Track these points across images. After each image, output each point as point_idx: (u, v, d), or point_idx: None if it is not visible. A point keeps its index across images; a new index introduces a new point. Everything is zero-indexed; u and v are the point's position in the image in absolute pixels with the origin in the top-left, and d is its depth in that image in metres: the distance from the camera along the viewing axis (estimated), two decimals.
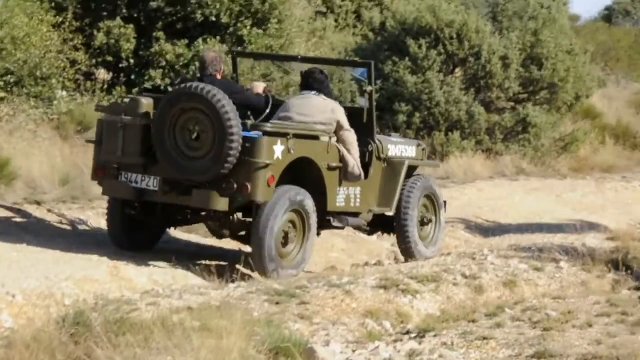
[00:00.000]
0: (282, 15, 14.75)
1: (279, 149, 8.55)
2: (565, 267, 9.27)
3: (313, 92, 9.22)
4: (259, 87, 9.32)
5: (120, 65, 14.69)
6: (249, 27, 14.47)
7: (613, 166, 20.51)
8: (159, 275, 8.87)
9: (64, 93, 13.68)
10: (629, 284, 8.82)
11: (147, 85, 14.03)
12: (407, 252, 10.04)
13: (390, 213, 9.76)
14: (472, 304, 8.26)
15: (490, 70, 18.58)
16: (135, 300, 7.42)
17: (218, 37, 14.33)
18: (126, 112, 8.59)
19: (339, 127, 9.14)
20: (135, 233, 9.22)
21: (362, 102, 10.95)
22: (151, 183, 8.66)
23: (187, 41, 14.26)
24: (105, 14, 14.41)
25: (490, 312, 7.67)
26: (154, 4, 14.36)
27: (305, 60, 10.76)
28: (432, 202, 10.27)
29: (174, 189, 8.65)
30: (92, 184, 9.94)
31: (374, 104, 9.79)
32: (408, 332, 7.25)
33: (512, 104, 19.37)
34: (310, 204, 8.92)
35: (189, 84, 8.57)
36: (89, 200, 11.01)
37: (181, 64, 14.07)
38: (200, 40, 14.17)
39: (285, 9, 14.80)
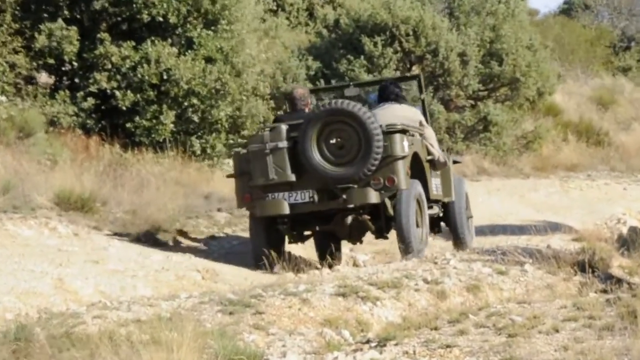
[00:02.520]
0: (232, 16, 14.64)
1: (406, 144, 10.25)
2: (530, 270, 9.25)
3: (391, 102, 10.92)
4: None
5: (63, 69, 14.51)
6: (198, 29, 14.35)
7: (577, 164, 20.65)
8: (106, 287, 8.76)
9: (4, 98, 13.49)
10: (595, 287, 8.81)
11: (92, 88, 13.87)
12: (461, 243, 11.32)
13: (452, 199, 11.38)
14: (434, 310, 8.21)
15: (449, 67, 18.62)
16: (81, 313, 7.30)
17: (167, 40, 14.20)
18: (271, 138, 10.14)
19: (422, 126, 10.89)
20: (279, 248, 10.47)
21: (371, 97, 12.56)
22: (303, 196, 10.25)
23: (133, 43, 14.12)
24: (46, 15, 14.20)
25: (453, 319, 7.61)
26: (97, 4, 14.21)
27: (359, 85, 12.62)
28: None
29: (325, 196, 10.23)
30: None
31: (427, 109, 11.76)
32: (368, 341, 7.17)
33: (472, 101, 19.44)
34: (423, 193, 10.58)
35: (328, 103, 10.31)
36: (31, 209, 10.85)
37: (127, 66, 13.93)
38: (148, 42, 14.03)
39: (236, 9, 14.70)
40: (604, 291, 8.55)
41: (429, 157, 10.94)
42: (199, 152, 14.08)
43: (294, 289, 8.14)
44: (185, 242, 11.09)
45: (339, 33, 19.29)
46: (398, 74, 18.28)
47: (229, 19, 14.58)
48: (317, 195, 10.23)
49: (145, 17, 14.08)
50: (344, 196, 10.15)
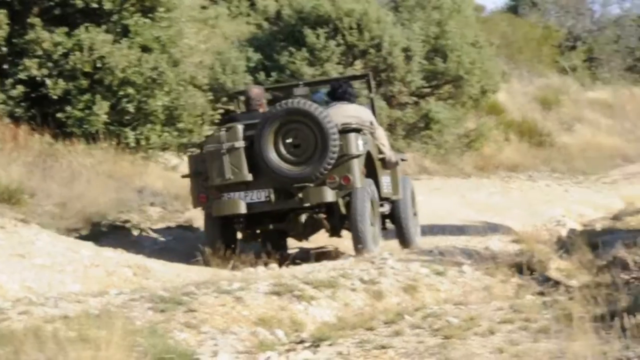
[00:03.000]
0: (170, 3, 14.58)
1: (360, 142, 10.60)
2: (468, 271, 9.36)
3: (342, 102, 11.25)
4: None
5: None
6: (135, 16, 14.28)
7: (518, 164, 20.89)
8: (33, 282, 8.71)
9: None
10: (532, 289, 8.94)
11: (22, 76, 13.74)
12: (408, 241, 11.65)
13: (399, 197, 11.73)
14: (370, 311, 8.28)
15: (392, 62, 18.70)
16: (6, 309, 7.26)
17: (102, 26, 14.11)
18: (227, 139, 10.42)
19: (373, 126, 11.21)
20: (234, 245, 10.75)
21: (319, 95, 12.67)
22: (260, 196, 10.53)
23: (66, 29, 14.00)
24: None
25: (389, 319, 7.69)
26: None
27: (308, 84, 12.76)
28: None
29: (281, 196, 10.50)
30: None
31: (375, 109, 12.07)
32: (302, 341, 7.23)
33: (415, 98, 19.55)
34: (376, 191, 10.91)
35: (285, 103, 10.51)
36: None
37: (59, 53, 13.81)
38: (82, 28, 13.93)
39: None
40: (541, 293, 8.69)
41: (381, 156, 11.27)
42: (133, 144, 13.99)
43: (227, 287, 8.16)
44: (117, 237, 11.05)
45: (281, 25, 19.29)
46: (341, 67, 18.36)
47: (167, 6, 14.52)
48: (274, 194, 10.53)
49: (79, 3, 13.96)
50: (300, 195, 10.48)
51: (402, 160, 12.51)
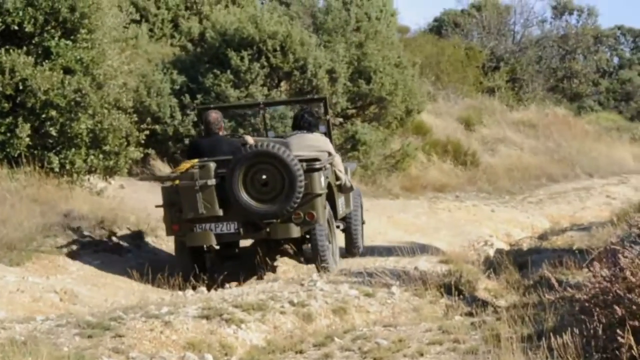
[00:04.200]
0: (92, 25, 14.50)
1: (323, 180, 11.41)
2: (397, 292, 9.44)
3: (305, 130, 12.13)
4: (249, 139, 11.96)
5: None
6: (56, 37, 14.19)
7: (445, 185, 21.05)
8: None
9: None
10: (461, 309, 9.04)
11: None
12: (356, 246, 12.82)
13: (350, 210, 12.80)
14: (300, 333, 8.33)
15: (317, 84, 18.77)
16: None
17: (23, 48, 14.00)
18: (201, 176, 11.12)
19: (330, 155, 12.08)
20: (204, 268, 11.62)
21: (270, 135, 13.65)
22: (229, 227, 11.27)
23: None
24: None
25: (318, 342, 7.74)
26: None
27: (268, 104, 14.11)
28: None
29: (249, 228, 11.31)
30: None
31: (331, 129, 13.16)
32: None
33: (341, 119, 19.66)
34: (332, 214, 11.90)
35: (254, 146, 11.27)
36: None
37: None
38: (2, 50, 13.80)
39: (95, 17, 14.56)
40: (470, 314, 8.79)
41: (338, 183, 12.18)
42: (57, 168, 13.86)
43: (156, 311, 8.15)
44: (43, 262, 10.96)
45: (205, 47, 19.28)
46: (265, 89, 18.42)
47: (88, 27, 14.42)
48: (242, 227, 11.29)
49: (0, 25, 13.86)
50: (268, 229, 11.30)
51: (352, 171, 13.32)
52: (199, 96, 18.28)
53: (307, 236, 11.50)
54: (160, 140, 18.15)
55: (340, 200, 12.32)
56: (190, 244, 11.39)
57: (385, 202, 18.50)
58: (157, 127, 17.83)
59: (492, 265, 11.20)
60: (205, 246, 11.59)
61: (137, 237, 12.71)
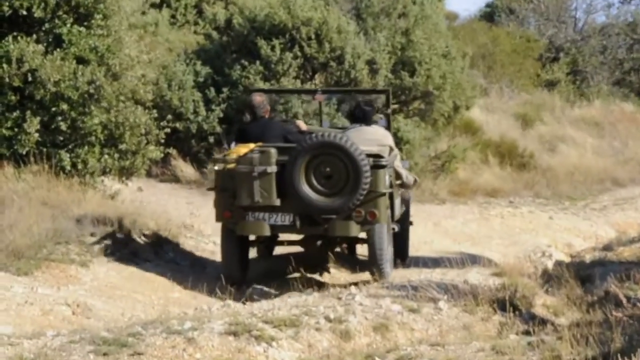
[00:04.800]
0: (108, 10, 14.59)
1: (387, 179, 11.79)
2: (444, 308, 9.44)
3: (366, 124, 12.48)
4: (302, 125, 12.78)
5: None
6: (69, 24, 14.28)
7: (498, 189, 20.99)
8: None
9: None
10: (516, 328, 9.03)
11: None
12: (404, 251, 13.25)
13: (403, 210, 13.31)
14: (337, 353, 8.34)
15: (356, 76, 18.79)
16: None
17: (32, 35, 14.11)
18: (260, 162, 11.51)
19: (392, 150, 12.40)
20: (246, 267, 12.21)
21: (325, 124, 14.24)
22: (284, 219, 11.67)
23: None
24: None
25: None
26: None
27: (326, 91, 14.65)
28: None
29: (306, 222, 11.69)
30: None
31: (391, 124, 13.66)
32: None
33: (381, 116, 19.61)
34: (390, 216, 12.12)
35: (320, 135, 11.63)
36: None
37: None
38: (10, 37, 13.92)
39: (112, 2, 14.65)
40: (527, 333, 8.78)
41: (398, 182, 12.60)
42: (68, 167, 13.95)
43: (178, 327, 8.19)
44: (53, 271, 11.04)
45: (232, 35, 19.34)
46: (299, 82, 18.46)
47: (103, 13, 14.52)
48: (300, 221, 11.69)
49: (7, 10, 13.97)
50: (326, 226, 11.68)
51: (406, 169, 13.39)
52: (224, 89, 18.36)
53: (364, 238, 11.90)
54: (182, 138, 18.25)
55: (397, 201, 12.65)
56: (241, 233, 11.85)
57: (431, 207, 18.48)
58: (178, 124, 17.91)
59: (550, 279, 11.16)
60: (254, 238, 12.09)
61: (156, 244, 12.77)
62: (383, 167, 11.71)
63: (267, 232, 11.76)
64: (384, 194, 11.68)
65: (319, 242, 12.38)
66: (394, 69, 19.52)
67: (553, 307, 10.03)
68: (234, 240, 11.95)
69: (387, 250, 11.81)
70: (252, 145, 11.70)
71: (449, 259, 11.52)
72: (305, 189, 11.54)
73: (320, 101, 14.29)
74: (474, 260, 12.05)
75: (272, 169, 11.54)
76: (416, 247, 14.23)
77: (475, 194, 20.35)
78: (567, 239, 17.17)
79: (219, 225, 11.92)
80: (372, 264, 11.79)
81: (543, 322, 9.12)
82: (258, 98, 12.38)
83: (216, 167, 12.02)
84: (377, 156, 11.79)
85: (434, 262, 12.47)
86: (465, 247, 14.70)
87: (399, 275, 11.72)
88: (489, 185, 20.92)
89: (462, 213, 18.48)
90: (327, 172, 11.55)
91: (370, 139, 12.27)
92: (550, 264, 13.22)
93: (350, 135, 12.06)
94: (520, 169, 22.75)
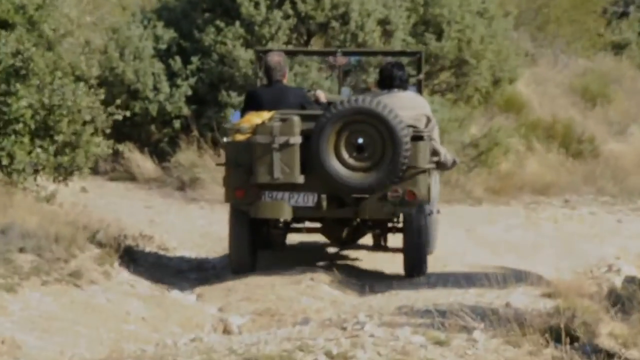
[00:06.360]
0: None
1: (428, 152, 12.56)
2: (481, 340, 9.43)
3: (396, 89, 13.03)
4: (322, 95, 13.42)
5: None
6: None
7: (550, 184, 20.98)
8: None
9: None
10: None
11: None
12: (431, 244, 13.70)
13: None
14: None
15: (365, 40, 18.80)
16: None
17: None
18: (281, 132, 12.19)
19: (428, 121, 12.93)
20: (256, 254, 13.03)
21: (345, 92, 14.47)
22: (307, 199, 12.46)
23: None
24: None
25: None
26: None
27: (347, 53, 15.45)
28: None
29: (333, 203, 12.51)
30: None
31: (422, 93, 14.09)
32: None
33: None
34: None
35: (355, 100, 12.40)
36: None
37: None
38: None
39: None
40: None
41: (435, 159, 13.10)
42: None
43: None
44: None
45: None
46: (291, 47, 18.48)
47: None
48: (326, 201, 12.49)
49: None
50: (357, 207, 12.52)
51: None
52: (194, 59, 18.38)
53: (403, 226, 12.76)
54: (138, 123, 18.25)
55: (435, 180, 13.41)
56: (256, 216, 12.60)
57: (464, 209, 18.49)
58: (133, 104, 17.91)
59: (619, 301, 11.16)
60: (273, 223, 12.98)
61: (105, 262, 12.77)
62: (423, 138, 12.46)
63: (287, 215, 12.56)
64: (424, 171, 12.38)
65: (345, 230, 13.28)
66: (414, 30, 19.55)
67: (622, 337, 10.01)
68: (245, 224, 12.67)
69: (425, 241, 12.69)
70: (265, 114, 12.32)
71: (487, 275, 11.50)
72: (334, 163, 12.26)
73: (341, 65, 14.99)
74: (519, 277, 12.04)
75: (296, 139, 12.19)
76: (443, 259, 14.23)
77: (521, 192, 20.36)
78: None
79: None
80: (407, 256, 12.65)
81: (610, 356, 9.12)
82: (276, 58, 13.07)
83: (225, 139, 12.68)
84: (416, 127, 12.47)
85: (467, 280, 12.44)
86: (508, 261, 14.69)
87: (421, 296, 11.72)
88: (538, 180, 20.91)
89: (504, 216, 18.49)
90: (360, 144, 12.31)
91: (407, 105, 12.82)
92: (618, 281, 13.21)
93: (383, 102, 12.52)
94: (578, 159, 22.74)
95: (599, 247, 16.69)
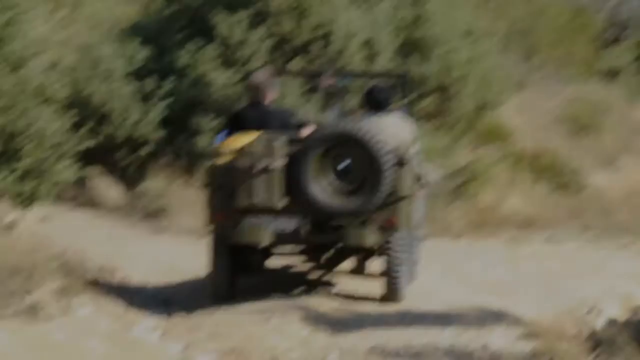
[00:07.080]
0: None
1: (410, 177, 12.83)
2: None
3: (380, 112, 13.44)
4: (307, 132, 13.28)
5: None
6: None
7: (533, 219, 20.99)
8: None
9: None
10: None
11: None
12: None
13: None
14: None
15: (348, 62, 18.83)
16: None
17: None
18: (262, 155, 12.55)
19: (413, 145, 13.31)
20: (236, 280, 13.33)
21: (329, 115, 15.72)
22: (289, 225, 12.73)
23: None
24: None
25: None
26: None
27: (332, 75, 15.79)
28: None
29: (314, 229, 12.77)
30: None
31: (413, 115, 14.68)
32: None
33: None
34: None
35: (337, 124, 13.19)
36: None
37: None
38: None
39: None
40: None
41: (420, 181, 13.65)
42: None
43: None
44: None
45: (179, 6, 19.39)
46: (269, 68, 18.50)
47: None
48: (307, 227, 12.81)
49: None
50: (337, 234, 12.80)
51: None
52: (170, 79, 18.38)
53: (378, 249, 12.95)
54: (106, 147, 18.21)
55: (416, 206, 13.60)
56: (236, 241, 12.86)
57: (442, 244, 18.44)
58: (103, 128, 17.88)
59: (601, 344, 11.19)
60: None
61: (65, 295, 12.72)
62: (406, 164, 12.74)
63: (267, 240, 12.80)
64: (405, 197, 12.72)
65: (323, 256, 13.58)
66: (400, 51, 19.59)
67: None
68: (225, 250, 12.99)
69: (405, 266, 12.91)
70: (248, 135, 12.60)
71: (464, 315, 11.52)
72: (316, 188, 12.58)
73: (326, 86, 15.54)
74: (497, 317, 12.10)
75: (277, 164, 12.56)
76: (420, 297, 14.22)
77: (502, 226, 20.37)
78: (626, 288, 17.14)
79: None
80: (387, 281, 12.90)
81: None
82: (259, 75, 13.47)
83: (208, 162, 13.01)
84: (398, 151, 12.68)
85: (444, 319, 12.47)
86: (487, 299, 14.64)
87: (393, 336, 11.70)
88: (520, 214, 20.92)
89: (484, 252, 18.47)
90: (342, 169, 12.66)
91: (391, 132, 13.12)
92: (600, 323, 13.23)
93: (367, 126, 12.91)
94: (564, 192, 22.77)
95: (582, 286, 16.67)
